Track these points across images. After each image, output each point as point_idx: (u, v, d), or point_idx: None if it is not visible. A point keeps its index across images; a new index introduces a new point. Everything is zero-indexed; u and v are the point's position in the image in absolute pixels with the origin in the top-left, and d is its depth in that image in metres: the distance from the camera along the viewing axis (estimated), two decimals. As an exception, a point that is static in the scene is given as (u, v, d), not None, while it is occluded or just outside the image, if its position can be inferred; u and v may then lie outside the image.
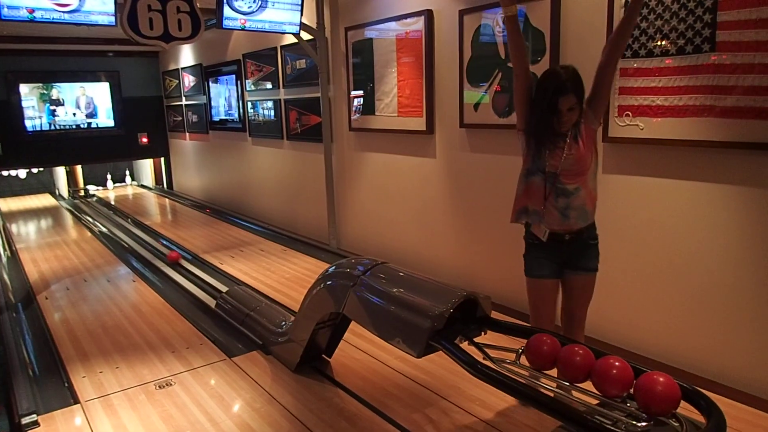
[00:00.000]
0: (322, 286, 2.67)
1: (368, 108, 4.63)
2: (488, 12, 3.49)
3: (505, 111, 3.48)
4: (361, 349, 3.13)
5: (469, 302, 2.11)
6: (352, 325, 2.85)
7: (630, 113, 2.82)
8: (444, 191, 4.11)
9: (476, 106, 3.67)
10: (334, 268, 2.70)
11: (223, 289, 4.08)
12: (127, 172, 10.40)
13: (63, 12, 3.64)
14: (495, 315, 2.25)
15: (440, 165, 4.10)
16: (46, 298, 4.21)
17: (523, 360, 1.90)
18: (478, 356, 1.90)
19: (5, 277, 4.80)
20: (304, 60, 5.42)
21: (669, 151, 2.75)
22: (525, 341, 1.92)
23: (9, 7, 3.46)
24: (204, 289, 4.26)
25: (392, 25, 4.25)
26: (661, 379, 1.54)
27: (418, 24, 4.01)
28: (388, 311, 2.21)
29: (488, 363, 1.86)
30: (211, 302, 3.90)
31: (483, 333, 2.13)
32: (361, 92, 4.69)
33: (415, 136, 4.25)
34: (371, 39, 4.48)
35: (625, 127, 2.86)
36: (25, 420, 2.51)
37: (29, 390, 2.77)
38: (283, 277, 4.51)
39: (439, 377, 2.79)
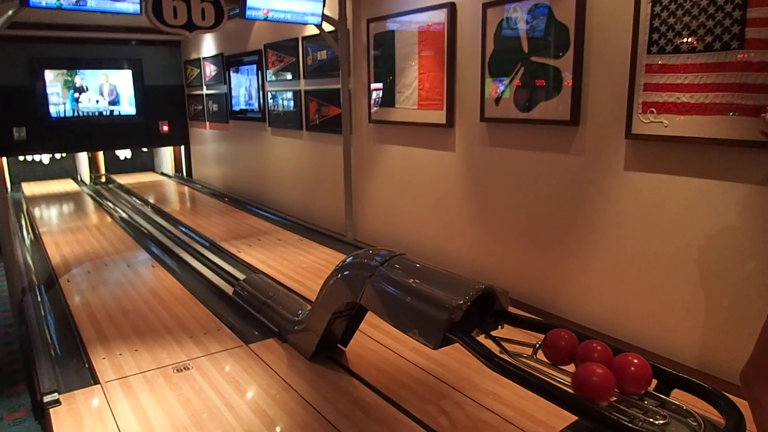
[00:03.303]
0: (339, 276, 2.68)
1: (388, 100, 4.62)
2: (511, 5, 3.46)
3: (526, 106, 3.46)
4: (376, 340, 3.14)
5: (486, 296, 2.11)
6: (368, 315, 2.86)
7: (654, 110, 2.78)
8: (462, 185, 4.10)
9: (497, 100, 3.65)
10: (351, 258, 2.71)
11: (241, 276, 4.12)
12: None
13: (90, -1, 3.68)
14: (512, 310, 2.25)
15: (459, 158, 4.09)
16: (68, 281, 4.28)
17: (540, 355, 1.89)
18: (495, 350, 1.90)
19: (29, 259, 4.89)
20: (325, 51, 5.42)
21: (693, 148, 2.71)
22: (542, 336, 1.91)
23: (37, -6, 3.50)
24: (222, 276, 4.30)
25: (414, 17, 4.23)
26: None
27: (441, 17, 3.99)
28: (405, 302, 2.21)
29: (505, 356, 1.86)
30: (229, 289, 3.94)
31: (500, 327, 2.13)
32: (381, 84, 4.68)
33: (434, 129, 4.24)
34: (393, 31, 4.47)
35: (648, 124, 2.82)
36: (47, 398, 2.56)
37: (51, 370, 2.82)
38: (299, 266, 4.54)
39: (454, 370, 2.79)
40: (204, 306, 3.73)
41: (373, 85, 4.77)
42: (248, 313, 3.53)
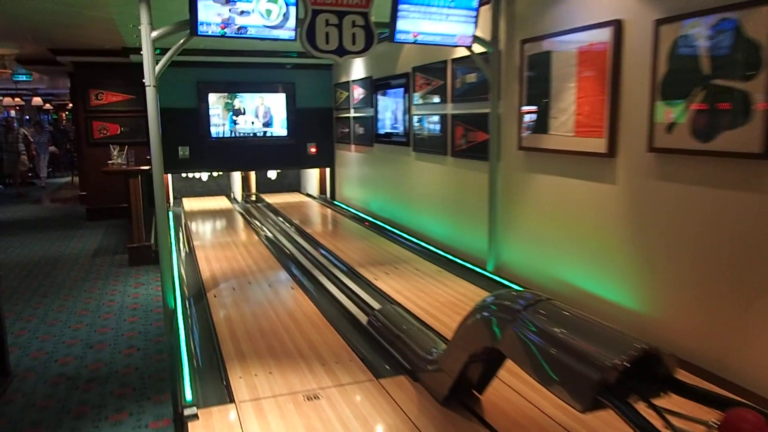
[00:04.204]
0: (478, 316, 2.60)
1: (541, 126, 4.47)
2: (690, 21, 3.18)
3: (705, 135, 3.14)
4: (516, 390, 2.99)
5: (649, 357, 1.90)
6: (509, 362, 2.74)
7: None
8: (623, 222, 3.81)
9: (670, 127, 3.36)
10: (492, 298, 2.62)
11: (376, 306, 4.18)
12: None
13: (258, 27, 4.03)
14: (681, 375, 2.00)
15: (621, 193, 3.82)
16: (215, 296, 4.65)
17: (716, 436, 1.66)
18: (656, 423, 1.70)
19: (182, 272, 5.40)
20: (474, 74, 5.41)
21: None
22: (717, 412, 1.67)
23: (204, 24, 3.91)
24: (357, 303, 4.41)
25: (575, 36, 4.07)
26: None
27: (605, 35, 3.79)
28: (551, 354, 2.07)
29: (669, 432, 1.66)
30: (363, 318, 4.01)
31: (664, 395, 1.91)
32: (533, 109, 4.55)
33: (592, 159, 4.01)
34: (549, 52, 4.34)
35: None
36: (186, 411, 2.76)
37: (193, 382, 3.06)
38: (436, 300, 4.51)
39: (604, 435, 2.56)
40: (338, 333, 3.83)
41: (524, 109, 4.65)
42: (381, 345, 3.56)
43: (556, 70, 4.28)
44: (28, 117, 25.21)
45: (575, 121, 4.11)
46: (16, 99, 22.46)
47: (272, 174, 10.95)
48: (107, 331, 5.66)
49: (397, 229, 7.16)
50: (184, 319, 4.06)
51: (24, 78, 15.42)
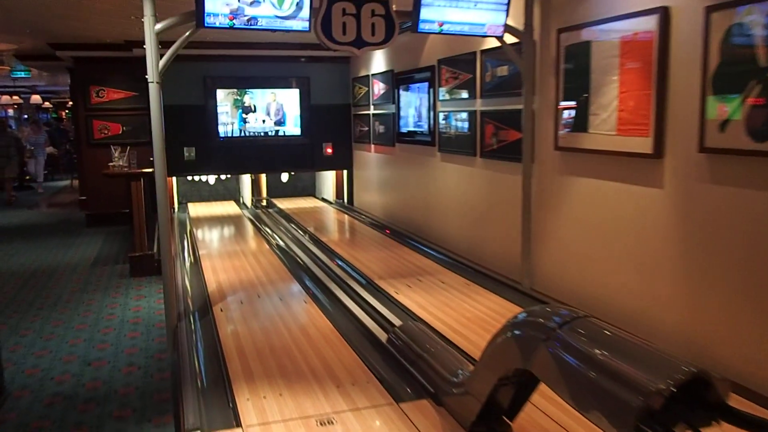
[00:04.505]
0: (509, 334, 2.59)
1: (579, 124, 4.45)
2: (744, 8, 3.15)
3: (762, 132, 3.09)
4: (550, 416, 2.97)
5: (698, 381, 1.88)
6: (543, 386, 2.72)
7: None
8: (670, 230, 3.77)
9: (723, 125, 3.32)
10: (524, 315, 2.61)
11: (397, 322, 4.19)
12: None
13: (269, 18, 4.09)
14: (735, 402, 1.97)
15: (669, 198, 3.78)
16: (221, 310, 4.70)
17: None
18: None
19: (187, 283, 5.47)
20: (506, 66, 5.41)
21: None
22: (777, 444, 1.65)
23: (211, 15, 3.97)
24: (376, 319, 4.42)
25: (617, 25, 4.05)
26: None
27: (651, 24, 3.76)
28: (588, 378, 2.06)
29: (721, 466, 1.64)
30: (382, 335, 4.02)
31: (715, 424, 1.88)
32: (570, 104, 4.53)
33: (637, 160, 3.98)
34: (588, 42, 4.32)
35: None
36: (189, 436, 2.80)
37: (196, 404, 3.09)
38: (463, 316, 4.50)
39: (650, 468, 2.52)
40: (354, 352, 3.84)
41: (562, 105, 4.64)
42: (401, 365, 3.56)
43: (596, 62, 4.26)
44: (26, 116, 25.81)
45: (618, 118, 4.08)
46: (14, 97, 23.01)
47: (285, 177, 11.04)
48: (106, 347, 5.76)
49: (421, 238, 7.17)
50: (188, 334, 4.11)
51: (22, 74, 15.81)
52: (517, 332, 2.55)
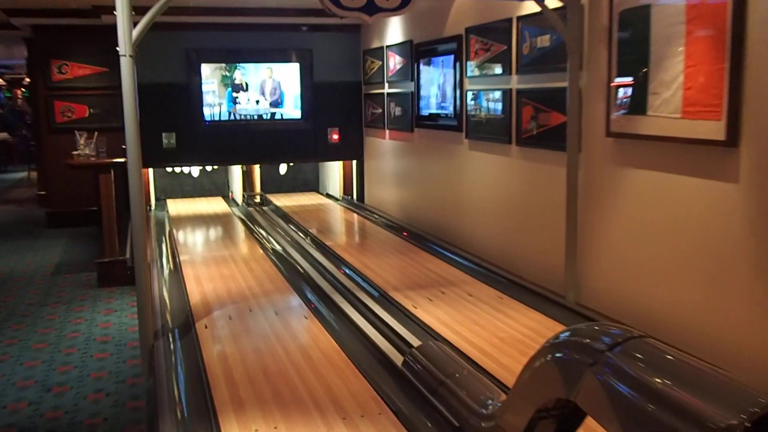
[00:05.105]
0: (548, 357, 2.59)
1: (637, 105, 4.44)
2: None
3: None
4: (599, 457, 2.96)
5: (778, 415, 1.88)
6: (589, 419, 2.72)
7: None
8: (749, 236, 3.75)
9: (811, 106, 3.30)
10: (568, 334, 2.61)
11: (415, 342, 4.20)
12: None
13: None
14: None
15: (746, 194, 3.76)
16: (206, 327, 4.74)
17: None
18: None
19: (165, 295, 5.52)
20: (548, 36, 5.40)
21: None
22: None
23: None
24: (389, 338, 4.43)
25: (682, -15, 4.04)
26: None
27: (724, -17, 3.76)
28: (644, 410, 2.06)
29: None
30: (398, 358, 4.03)
31: (798, 466, 1.87)
32: (626, 81, 4.52)
33: (706, 149, 3.97)
34: (648, 6, 4.31)
35: None
36: (166, 476, 2.82)
37: (176, 440, 3.12)
38: (495, 335, 4.50)
39: None
40: (364, 377, 3.86)
41: (615, 82, 4.63)
42: (420, 393, 3.57)
43: (657, 31, 4.24)
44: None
45: (683, 97, 4.06)
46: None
47: (282, 169, 11.08)
48: (69, 370, 5.80)
49: (445, 242, 7.18)
50: (166, 356, 4.14)
51: (-32, 46, 15.99)
52: (558, 355, 2.55)
